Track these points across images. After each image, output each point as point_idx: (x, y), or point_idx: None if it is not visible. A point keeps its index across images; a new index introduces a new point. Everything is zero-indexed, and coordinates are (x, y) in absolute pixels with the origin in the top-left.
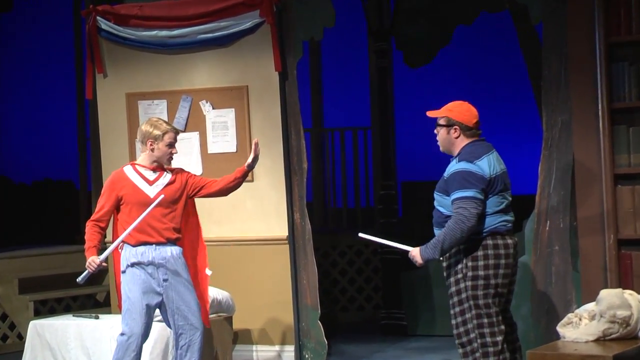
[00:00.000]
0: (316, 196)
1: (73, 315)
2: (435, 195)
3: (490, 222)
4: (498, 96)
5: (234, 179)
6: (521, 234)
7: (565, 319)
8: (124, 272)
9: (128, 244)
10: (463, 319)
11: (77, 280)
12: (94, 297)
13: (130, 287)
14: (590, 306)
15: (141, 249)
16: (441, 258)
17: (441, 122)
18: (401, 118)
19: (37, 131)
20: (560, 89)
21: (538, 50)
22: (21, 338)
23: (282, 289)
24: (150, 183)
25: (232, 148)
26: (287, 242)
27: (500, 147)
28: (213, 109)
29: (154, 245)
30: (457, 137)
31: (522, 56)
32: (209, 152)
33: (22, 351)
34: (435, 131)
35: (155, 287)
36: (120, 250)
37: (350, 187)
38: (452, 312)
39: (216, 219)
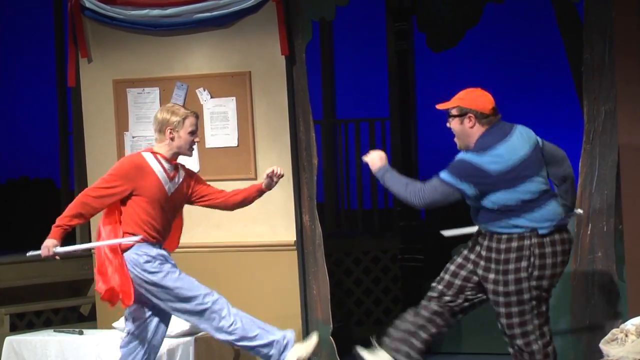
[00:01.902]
0: (327, 196)
1: (54, 331)
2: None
3: (545, 214)
4: (533, 84)
5: (245, 197)
6: None
7: (609, 335)
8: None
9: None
10: (522, 320)
11: (27, 254)
12: (77, 310)
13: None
14: (638, 320)
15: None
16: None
17: (453, 112)
18: (423, 108)
19: (12, 123)
20: (604, 75)
21: (579, 30)
22: None
23: (289, 300)
24: (170, 178)
25: (233, 142)
26: (295, 247)
27: None
28: (211, 97)
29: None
30: (472, 127)
31: (560, 38)
32: (207, 146)
33: None
34: (447, 125)
35: None
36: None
37: (366, 186)
38: (504, 310)
39: (215, 222)
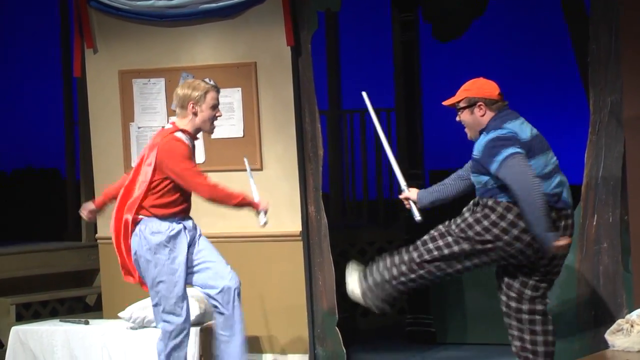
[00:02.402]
0: (333, 187)
1: (60, 321)
2: (473, 178)
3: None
4: (539, 75)
5: (233, 200)
6: None
7: (615, 326)
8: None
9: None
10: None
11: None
12: (83, 300)
13: None
14: None
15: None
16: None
17: (462, 104)
18: (429, 99)
19: (18, 114)
20: (610, 66)
21: (585, 21)
22: (2, 346)
23: (294, 291)
24: (194, 152)
25: (239, 132)
26: (300, 238)
27: (542, 132)
28: None
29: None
30: (482, 115)
31: (566, 29)
32: (213, 136)
33: None
34: (457, 119)
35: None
36: None
37: (372, 177)
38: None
39: (221, 212)
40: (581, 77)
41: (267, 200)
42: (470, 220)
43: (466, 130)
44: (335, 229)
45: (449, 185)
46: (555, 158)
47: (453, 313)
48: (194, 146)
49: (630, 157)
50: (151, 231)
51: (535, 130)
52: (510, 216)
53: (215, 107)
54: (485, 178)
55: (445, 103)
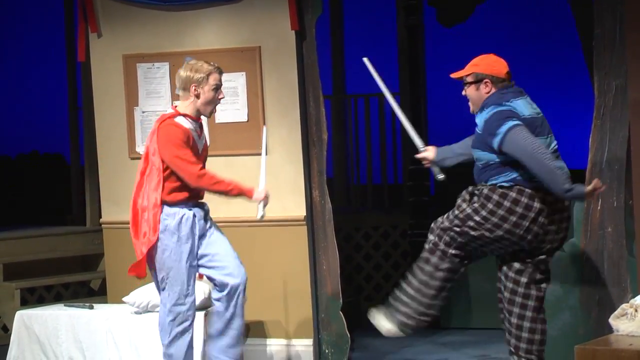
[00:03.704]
0: (337, 171)
1: (64, 305)
2: (474, 153)
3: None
4: (543, 59)
5: (221, 189)
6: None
7: (619, 310)
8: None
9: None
10: (452, 222)
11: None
12: (87, 284)
13: None
14: None
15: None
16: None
17: (469, 79)
18: (433, 83)
19: (22, 98)
20: (615, 50)
21: (590, 6)
22: (7, 330)
23: (299, 275)
24: (199, 135)
25: (243, 117)
26: (304, 222)
27: (547, 116)
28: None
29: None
30: (488, 92)
31: (571, 13)
32: (217, 121)
33: (7, 345)
34: (463, 93)
35: None
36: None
37: (376, 161)
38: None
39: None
40: (586, 61)
41: (266, 190)
42: (469, 211)
43: (470, 103)
44: (339, 213)
45: (467, 144)
46: (555, 143)
47: (457, 298)
48: (200, 128)
49: (634, 141)
50: (161, 217)
51: (538, 111)
52: (507, 203)
53: (217, 88)
54: (487, 155)
55: (453, 75)
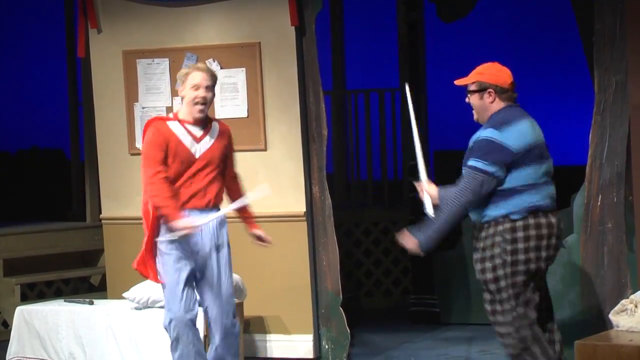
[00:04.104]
0: (337, 167)
1: (64, 301)
2: (463, 170)
3: (530, 198)
4: (544, 55)
5: (156, 204)
6: (569, 210)
7: (618, 306)
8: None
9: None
10: (502, 308)
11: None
12: (87, 280)
13: None
14: None
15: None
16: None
17: (472, 87)
18: (434, 79)
19: (22, 94)
20: (615, 46)
21: (590, 1)
22: (7, 326)
23: (299, 271)
24: (198, 140)
25: (243, 113)
26: (304, 218)
27: (547, 112)
28: (221, 68)
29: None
30: (492, 102)
31: (571, 8)
32: (217, 117)
33: (7, 340)
34: (466, 100)
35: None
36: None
37: (376, 157)
38: (488, 298)
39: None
40: (586, 56)
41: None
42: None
43: (473, 111)
44: (339, 209)
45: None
46: (551, 166)
47: (457, 293)
48: (205, 132)
49: (635, 137)
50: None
51: (539, 137)
52: (497, 237)
53: (196, 87)
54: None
55: (457, 82)
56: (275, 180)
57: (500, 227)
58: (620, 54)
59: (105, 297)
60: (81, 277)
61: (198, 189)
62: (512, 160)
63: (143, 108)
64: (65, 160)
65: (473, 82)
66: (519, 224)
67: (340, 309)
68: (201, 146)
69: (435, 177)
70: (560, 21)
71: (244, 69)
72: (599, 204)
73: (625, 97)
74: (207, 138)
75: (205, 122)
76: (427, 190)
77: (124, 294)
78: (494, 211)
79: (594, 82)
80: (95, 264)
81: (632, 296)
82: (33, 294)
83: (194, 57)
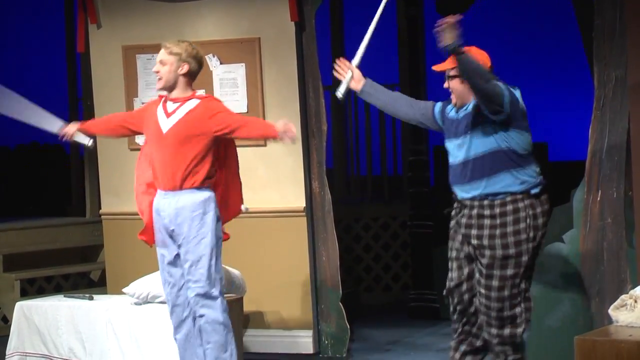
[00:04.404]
0: (337, 162)
1: (64, 296)
2: (457, 151)
3: (538, 169)
4: (543, 50)
5: (261, 135)
6: (569, 205)
7: (618, 301)
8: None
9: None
10: (512, 283)
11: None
12: (87, 275)
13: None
14: None
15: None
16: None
17: (452, 72)
18: (433, 74)
19: (22, 89)
20: (615, 41)
21: None
22: (6, 321)
23: (298, 266)
24: (168, 115)
25: (243, 108)
26: (304, 213)
27: (546, 107)
28: (221, 64)
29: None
30: None
31: (570, 3)
32: None
33: (7, 335)
34: (445, 85)
35: None
36: None
37: (376, 152)
38: (496, 283)
39: None
40: (586, 52)
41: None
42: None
43: (452, 96)
44: (339, 204)
45: (397, 98)
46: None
47: None
48: (177, 104)
49: (634, 132)
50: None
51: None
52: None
53: (158, 63)
54: (485, 146)
55: (435, 68)
56: (275, 175)
57: (523, 202)
58: (620, 49)
59: (105, 293)
60: (81, 272)
61: (164, 162)
62: (521, 107)
63: (143, 103)
64: (64, 155)
65: (453, 67)
66: (543, 197)
67: (340, 304)
68: (170, 121)
69: (435, 172)
70: (559, 16)
71: (243, 64)
72: (598, 199)
73: (625, 92)
74: (178, 112)
75: (185, 99)
76: (353, 70)
77: (124, 290)
78: (513, 187)
79: (594, 77)
80: (95, 259)
81: (631, 291)
82: (33, 289)
83: (215, 58)
